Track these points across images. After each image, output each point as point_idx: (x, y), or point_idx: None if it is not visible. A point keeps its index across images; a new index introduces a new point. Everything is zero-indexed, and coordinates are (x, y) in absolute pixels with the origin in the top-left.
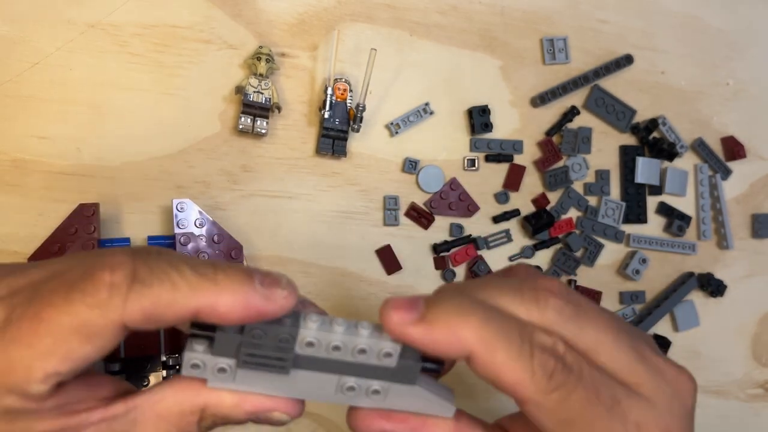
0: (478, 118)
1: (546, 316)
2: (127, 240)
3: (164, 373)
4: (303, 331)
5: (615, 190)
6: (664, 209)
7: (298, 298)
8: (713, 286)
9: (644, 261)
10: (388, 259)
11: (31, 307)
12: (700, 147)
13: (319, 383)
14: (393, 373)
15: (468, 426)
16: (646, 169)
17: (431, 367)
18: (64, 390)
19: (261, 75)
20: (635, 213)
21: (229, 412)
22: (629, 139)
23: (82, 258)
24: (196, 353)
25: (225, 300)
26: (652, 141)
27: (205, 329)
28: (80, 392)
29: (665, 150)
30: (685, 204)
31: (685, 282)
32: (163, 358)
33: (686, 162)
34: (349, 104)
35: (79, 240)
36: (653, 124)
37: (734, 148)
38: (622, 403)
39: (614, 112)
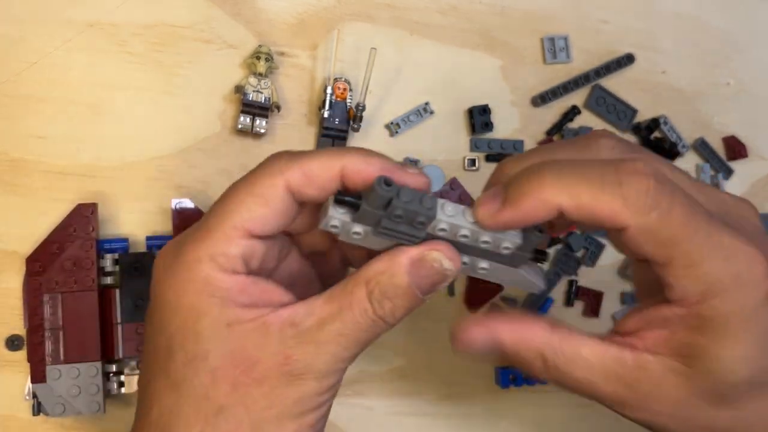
0: (479, 118)
1: (602, 155)
2: (126, 240)
3: None
4: (438, 218)
5: None
6: None
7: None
8: None
9: None
10: None
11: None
12: (701, 147)
13: None
14: (503, 259)
15: (563, 327)
16: None
17: (538, 257)
18: (251, 282)
19: (260, 74)
20: None
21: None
22: (630, 139)
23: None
24: (339, 214)
25: (355, 161)
26: (653, 141)
27: (352, 198)
28: (264, 291)
29: (667, 150)
30: None
31: None
32: None
33: (688, 162)
34: (348, 104)
35: (78, 240)
36: (654, 123)
37: (736, 148)
38: (714, 220)
39: (615, 111)
